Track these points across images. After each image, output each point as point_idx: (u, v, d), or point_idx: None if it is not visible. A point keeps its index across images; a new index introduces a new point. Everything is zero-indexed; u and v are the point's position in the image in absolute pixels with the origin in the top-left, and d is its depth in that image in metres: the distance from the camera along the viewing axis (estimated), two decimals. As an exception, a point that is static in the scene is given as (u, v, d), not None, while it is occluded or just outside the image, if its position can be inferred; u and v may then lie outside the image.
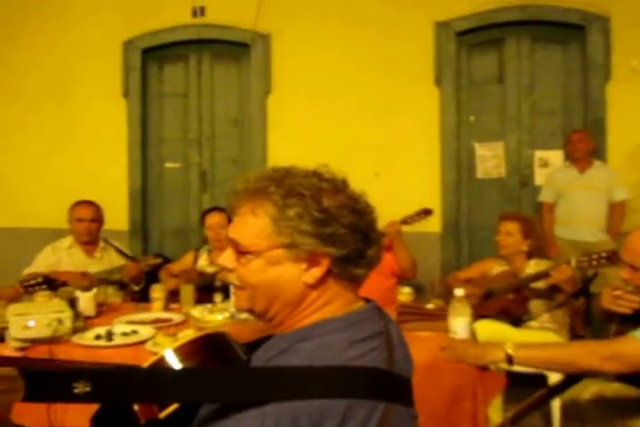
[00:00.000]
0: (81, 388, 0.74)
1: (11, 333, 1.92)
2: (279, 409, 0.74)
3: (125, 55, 4.23)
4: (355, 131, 3.94)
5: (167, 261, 3.31)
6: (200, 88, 4.25)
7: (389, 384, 0.83)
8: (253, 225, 0.85)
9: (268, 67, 4.05)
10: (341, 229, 0.83)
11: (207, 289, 2.78)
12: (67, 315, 1.97)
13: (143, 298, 3.05)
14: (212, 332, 1.15)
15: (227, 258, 0.89)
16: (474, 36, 3.96)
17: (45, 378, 0.75)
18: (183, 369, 0.91)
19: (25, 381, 0.73)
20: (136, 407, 0.99)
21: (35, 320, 1.90)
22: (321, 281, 0.85)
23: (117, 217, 3.88)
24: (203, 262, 3.09)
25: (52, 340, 1.93)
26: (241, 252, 0.87)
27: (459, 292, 1.90)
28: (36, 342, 1.94)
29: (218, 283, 2.87)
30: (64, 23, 4.31)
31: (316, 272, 0.85)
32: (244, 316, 2.05)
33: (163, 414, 0.98)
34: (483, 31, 3.94)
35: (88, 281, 2.82)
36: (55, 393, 0.75)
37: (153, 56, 4.30)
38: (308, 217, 0.82)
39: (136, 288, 3.11)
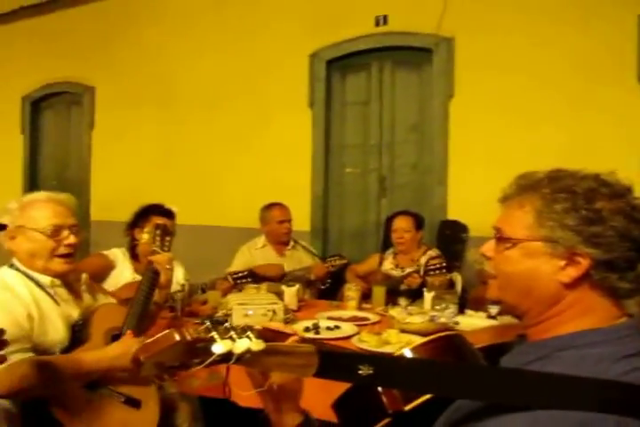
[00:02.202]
0: (365, 370, 0.79)
1: (233, 319, 2.14)
2: (551, 417, 0.73)
3: (311, 67, 4.48)
4: (543, 135, 3.71)
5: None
6: (381, 95, 4.34)
7: None
8: (517, 215, 0.87)
9: (451, 70, 4.00)
10: (609, 231, 0.80)
11: (392, 292, 2.84)
12: (279, 307, 2.15)
13: (325, 295, 3.21)
14: (449, 333, 1.18)
15: (488, 246, 0.92)
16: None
17: (338, 358, 0.83)
18: (459, 364, 0.94)
19: (320, 359, 0.81)
20: (384, 398, 1.05)
21: (253, 310, 2.11)
22: (577, 283, 0.83)
23: (300, 219, 4.11)
24: (388, 265, 3.15)
25: (267, 329, 2.12)
26: (500, 239, 0.89)
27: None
28: (253, 329, 2.15)
29: (403, 287, 2.92)
30: (254, 37, 4.70)
31: (573, 272, 0.82)
32: (442, 320, 2.07)
33: (408, 407, 1.03)
34: None
35: (283, 271, 3.06)
36: (342, 372, 0.81)
37: (337, 66, 4.49)
38: (574, 213, 0.81)
39: (322, 287, 3.29)
